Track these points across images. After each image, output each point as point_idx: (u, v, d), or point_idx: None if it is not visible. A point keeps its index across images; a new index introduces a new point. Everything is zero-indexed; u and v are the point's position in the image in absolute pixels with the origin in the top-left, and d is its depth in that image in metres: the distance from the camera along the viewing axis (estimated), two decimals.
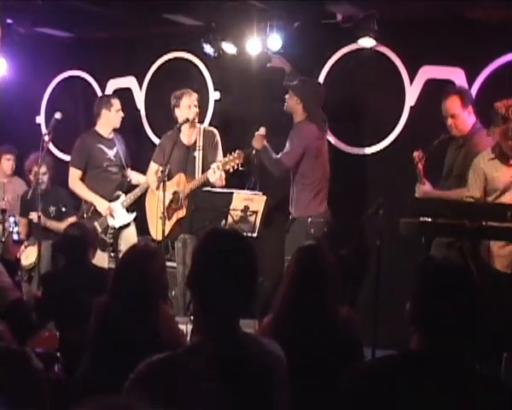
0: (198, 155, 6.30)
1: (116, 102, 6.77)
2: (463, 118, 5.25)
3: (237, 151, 5.90)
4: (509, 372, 4.21)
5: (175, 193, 6.24)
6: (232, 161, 5.86)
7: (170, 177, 6.24)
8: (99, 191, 6.66)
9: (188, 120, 6.19)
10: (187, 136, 6.37)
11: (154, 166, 6.43)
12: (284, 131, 6.32)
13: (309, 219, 5.96)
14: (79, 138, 6.86)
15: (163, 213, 5.70)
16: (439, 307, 2.08)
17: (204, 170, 6.17)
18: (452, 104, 5.26)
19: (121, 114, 6.78)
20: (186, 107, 6.29)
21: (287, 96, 6.20)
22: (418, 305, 2.14)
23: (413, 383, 2.05)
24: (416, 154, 5.26)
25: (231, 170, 5.89)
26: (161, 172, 5.90)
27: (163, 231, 5.69)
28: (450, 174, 5.35)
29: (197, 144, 6.33)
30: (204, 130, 6.41)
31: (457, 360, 2.06)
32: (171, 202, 6.21)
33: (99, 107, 6.80)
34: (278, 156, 6.07)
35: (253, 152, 6.08)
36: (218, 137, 6.36)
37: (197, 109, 6.35)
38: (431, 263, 2.24)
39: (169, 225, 6.15)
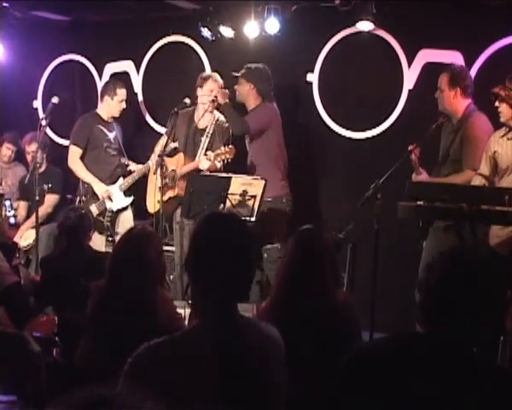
0: (204, 140, 6.33)
1: (121, 93, 6.75)
2: (447, 96, 5.25)
3: (230, 146, 5.92)
4: (505, 355, 4.22)
5: (172, 170, 6.34)
6: (223, 153, 5.89)
7: (176, 152, 6.42)
8: (98, 173, 6.66)
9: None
10: (201, 119, 6.40)
11: (164, 139, 6.43)
12: (281, 115, 6.30)
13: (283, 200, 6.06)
14: (80, 118, 6.89)
15: (160, 187, 5.81)
16: (451, 295, 2.07)
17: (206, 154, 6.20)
18: (441, 79, 5.30)
19: (123, 105, 6.77)
20: (208, 91, 6.32)
21: (236, 87, 6.22)
22: (428, 291, 2.13)
23: (413, 366, 2.05)
24: (410, 148, 5.24)
25: (221, 163, 5.93)
26: (159, 155, 5.96)
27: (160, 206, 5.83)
28: (447, 159, 5.33)
29: (207, 130, 6.36)
30: (218, 119, 6.40)
31: (460, 344, 2.07)
32: (168, 178, 6.31)
33: (103, 91, 6.82)
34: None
35: None
36: (230, 132, 6.33)
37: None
38: (450, 250, 2.22)
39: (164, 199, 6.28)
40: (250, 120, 6.09)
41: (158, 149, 6.38)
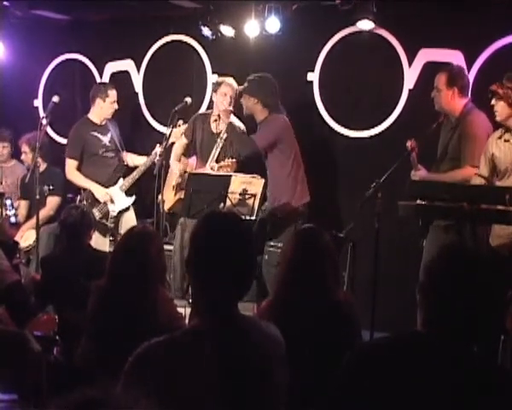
0: (217, 145, 6.35)
1: (112, 94, 6.75)
2: (445, 96, 5.24)
3: (232, 160, 6.02)
4: (506, 355, 4.22)
5: (185, 172, 6.47)
6: (225, 167, 5.99)
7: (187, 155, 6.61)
8: (97, 178, 6.67)
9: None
10: (215, 123, 6.42)
11: (183, 140, 6.57)
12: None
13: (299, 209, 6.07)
14: (73, 129, 6.87)
15: (161, 186, 5.89)
16: (450, 295, 2.07)
17: (218, 160, 6.27)
18: (439, 78, 5.28)
19: (115, 106, 6.76)
20: (222, 94, 6.34)
21: (242, 101, 6.16)
22: (431, 287, 2.12)
23: (414, 365, 2.05)
24: (409, 143, 5.23)
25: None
26: (159, 155, 6.05)
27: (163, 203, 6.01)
28: (445, 157, 5.33)
29: (221, 135, 6.38)
30: (231, 123, 6.39)
31: (460, 344, 2.07)
32: (182, 179, 6.47)
33: (94, 94, 6.79)
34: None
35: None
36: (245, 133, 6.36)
37: (230, 100, 6.33)
38: (449, 249, 2.22)
39: (174, 199, 6.47)
40: (257, 137, 6.05)
41: (177, 151, 6.54)
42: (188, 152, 6.62)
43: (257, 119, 6.16)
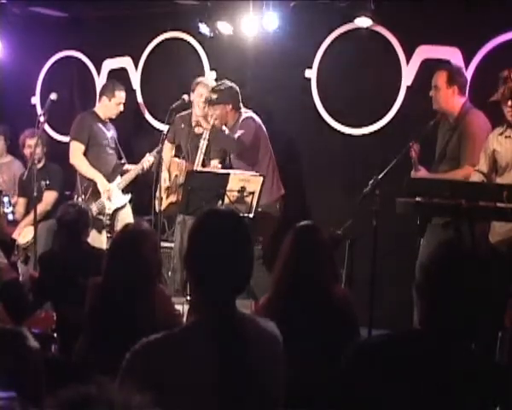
0: (202, 144, 6.35)
1: (119, 95, 6.75)
2: (445, 94, 5.23)
3: (218, 165, 6.17)
4: (503, 351, 4.22)
5: (176, 176, 6.44)
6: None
7: (180, 156, 6.58)
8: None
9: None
10: (197, 125, 6.42)
11: (167, 145, 6.53)
12: (279, 111, 6.29)
13: (277, 205, 6.14)
14: (80, 115, 6.86)
15: (158, 190, 5.91)
16: (448, 293, 2.07)
17: (204, 162, 6.30)
18: (438, 76, 5.26)
19: (121, 108, 6.77)
20: (199, 95, 6.37)
21: (213, 112, 6.06)
22: (429, 286, 2.12)
23: (412, 363, 2.06)
24: (411, 145, 5.21)
25: None
26: (157, 152, 6.14)
27: (155, 206, 5.95)
28: (444, 158, 5.32)
29: (203, 135, 6.36)
30: (213, 126, 6.34)
31: (458, 341, 2.07)
32: (172, 182, 6.47)
33: (102, 91, 6.83)
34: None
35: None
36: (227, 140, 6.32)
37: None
38: (446, 247, 2.22)
39: (166, 202, 6.41)
40: (243, 136, 5.98)
41: (167, 157, 6.51)
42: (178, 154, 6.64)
43: (228, 124, 6.12)
